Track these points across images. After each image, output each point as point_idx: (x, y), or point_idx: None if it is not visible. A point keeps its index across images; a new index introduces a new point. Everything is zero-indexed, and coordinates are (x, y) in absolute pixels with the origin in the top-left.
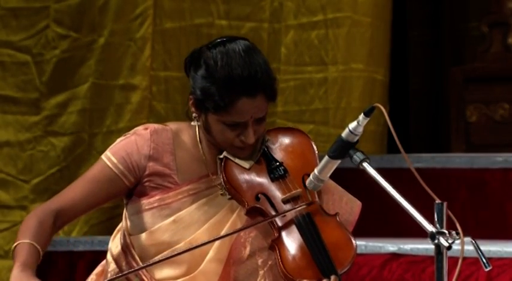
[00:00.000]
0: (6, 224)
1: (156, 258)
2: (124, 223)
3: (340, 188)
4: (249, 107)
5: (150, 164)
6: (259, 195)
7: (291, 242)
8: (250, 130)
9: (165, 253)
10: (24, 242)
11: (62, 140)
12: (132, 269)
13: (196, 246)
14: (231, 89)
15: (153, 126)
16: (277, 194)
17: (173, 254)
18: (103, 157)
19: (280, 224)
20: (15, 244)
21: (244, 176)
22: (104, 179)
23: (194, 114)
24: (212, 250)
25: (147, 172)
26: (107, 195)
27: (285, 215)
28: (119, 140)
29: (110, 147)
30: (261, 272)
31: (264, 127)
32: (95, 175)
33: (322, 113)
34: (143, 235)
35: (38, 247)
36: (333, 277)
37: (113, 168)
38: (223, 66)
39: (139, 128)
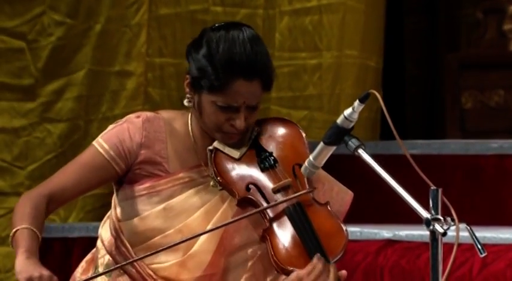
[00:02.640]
0: (1, 211)
1: (149, 243)
2: (113, 209)
3: (331, 177)
4: (244, 91)
5: (142, 152)
6: (249, 185)
7: (283, 231)
8: (241, 115)
9: (155, 238)
10: (23, 227)
11: (58, 127)
12: (138, 257)
13: (198, 235)
14: (229, 70)
15: (145, 114)
16: (267, 184)
17: (175, 242)
18: (95, 143)
19: (271, 214)
20: (14, 230)
21: (235, 167)
22: (95, 165)
23: (188, 95)
24: (202, 237)
25: (138, 160)
26: (97, 181)
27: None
28: (110, 127)
29: (102, 134)
30: (250, 263)
31: (255, 116)
32: (87, 161)
33: (316, 99)
34: (134, 221)
35: (37, 232)
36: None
37: (105, 154)
38: (224, 49)
39: (132, 116)
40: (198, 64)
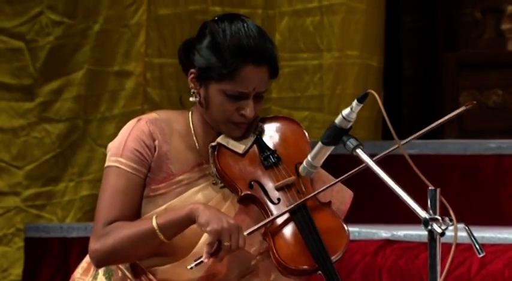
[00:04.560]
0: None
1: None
2: None
3: (331, 177)
4: (254, 77)
5: (155, 154)
6: (252, 182)
7: (285, 229)
8: (250, 103)
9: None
10: (154, 216)
11: (57, 127)
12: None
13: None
14: (238, 56)
15: (146, 117)
16: (270, 181)
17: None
18: (116, 164)
19: (274, 212)
20: (154, 225)
21: (238, 164)
22: (130, 185)
23: (193, 90)
24: (204, 235)
25: (152, 163)
26: (139, 196)
27: (278, 203)
28: (120, 140)
29: (114, 153)
30: (253, 261)
31: (261, 105)
32: (122, 185)
33: (317, 99)
34: None
35: None
36: None
37: (132, 171)
38: (232, 36)
39: (133, 123)
40: (205, 54)
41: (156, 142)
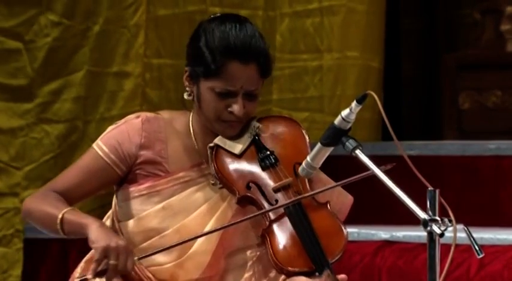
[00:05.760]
0: None
1: (146, 244)
2: (113, 210)
3: (332, 181)
4: (240, 74)
5: (142, 153)
6: (250, 184)
7: (282, 231)
8: (239, 100)
9: (153, 239)
10: (69, 209)
11: (56, 128)
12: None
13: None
14: (224, 53)
15: (145, 114)
16: (268, 182)
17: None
18: (94, 146)
19: (271, 213)
20: (60, 216)
21: (235, 165)
22: (95, 168)
23: (187, 89)
24: (204, 236)
25: (138, 161)
26: (100, 184)
27: (276, 204)
28: (110, 128)
29: (101, 136)
30: (249, 263)
31: (254, 106)
32: (88, 165)
33: (317, 100)
34: (131, 222)
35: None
36: (325, 273)
37: (105, 158)
38: (220, 34)
39: (131, 117)
40: (195, 52)
41: (144, 141)
